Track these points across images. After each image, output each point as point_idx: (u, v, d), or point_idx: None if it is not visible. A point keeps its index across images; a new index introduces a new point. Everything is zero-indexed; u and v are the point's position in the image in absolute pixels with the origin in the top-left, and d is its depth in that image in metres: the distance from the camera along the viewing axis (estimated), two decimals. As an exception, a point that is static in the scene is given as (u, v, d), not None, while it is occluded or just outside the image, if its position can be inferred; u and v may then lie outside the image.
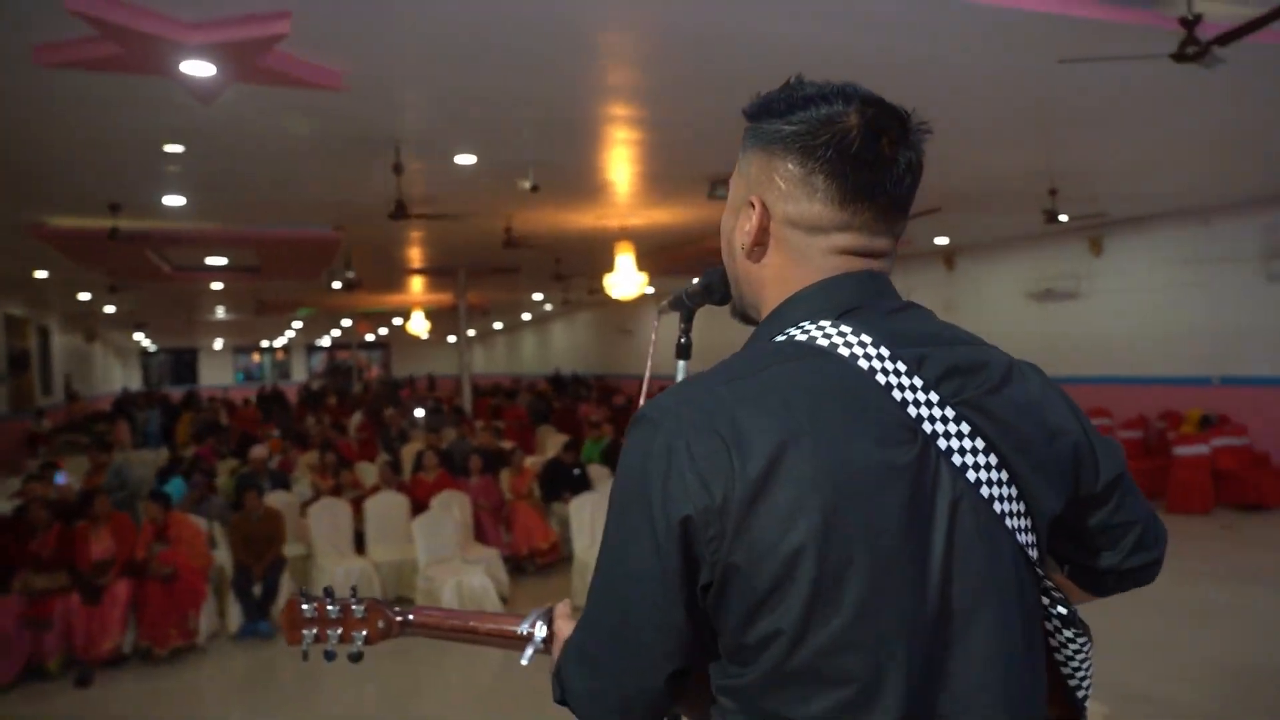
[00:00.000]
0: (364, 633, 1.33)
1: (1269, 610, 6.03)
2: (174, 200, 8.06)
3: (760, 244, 0.96)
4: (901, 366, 0.86)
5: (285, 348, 36.17)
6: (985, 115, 6.49)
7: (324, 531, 6.98)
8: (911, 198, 0.95)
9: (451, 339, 32.82)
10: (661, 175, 8.19)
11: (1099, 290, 13.14)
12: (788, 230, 0.94)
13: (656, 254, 11.54)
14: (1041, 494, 0.89)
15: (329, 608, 1.34)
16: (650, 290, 10.44)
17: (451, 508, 6.98)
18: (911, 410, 0.84)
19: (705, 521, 0.80)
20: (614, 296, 10.21)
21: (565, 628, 1.17)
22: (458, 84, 5.17)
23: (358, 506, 7.22)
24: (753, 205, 0.95)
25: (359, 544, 7.12)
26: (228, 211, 9.06)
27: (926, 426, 0.84)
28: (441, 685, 5.38)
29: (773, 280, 0.96)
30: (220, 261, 12.20)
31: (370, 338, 34.11)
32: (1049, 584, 0.91)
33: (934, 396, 0.85)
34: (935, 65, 5.13)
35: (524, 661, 1.24)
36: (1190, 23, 3.92)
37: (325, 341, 35.37)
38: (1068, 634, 0.93)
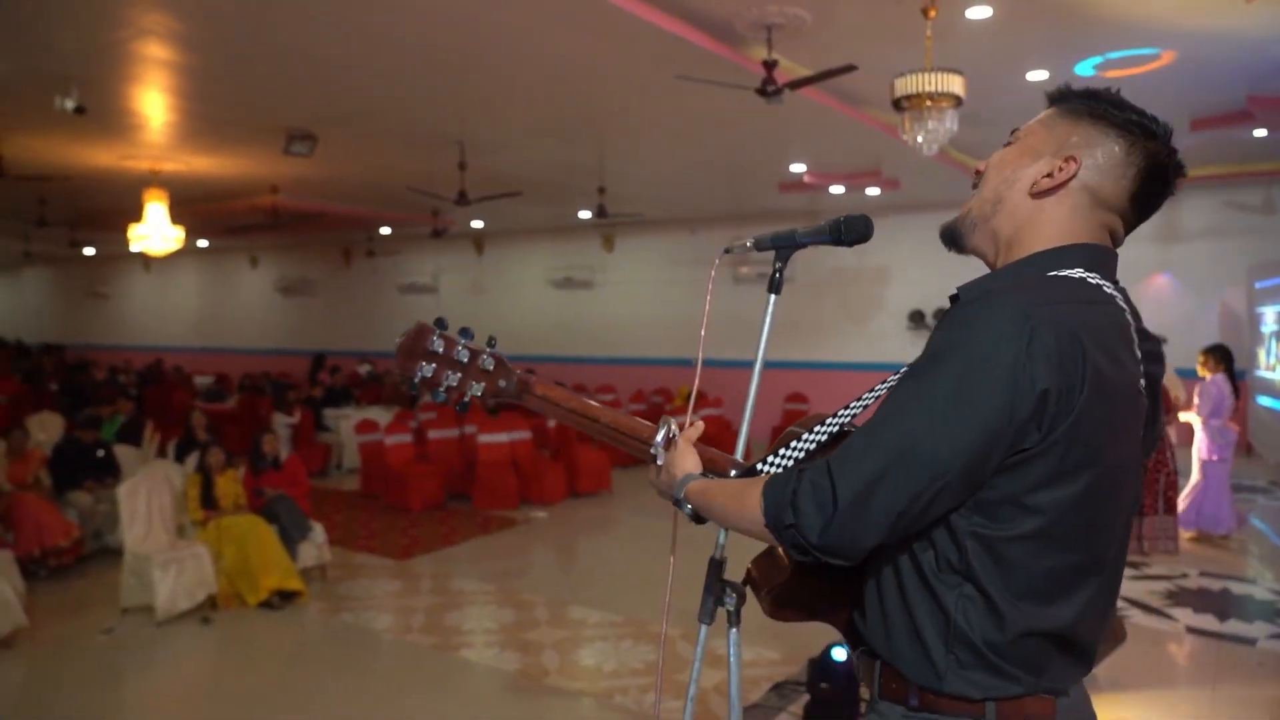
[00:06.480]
0: (482, 385, 1.25)
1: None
2: None
3: (1051, 192, 1.17)
4: (1134, 323, 1.16)
5: None
6: (571, 110, 7.08)
7: None
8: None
9: None
10: (215, 116, 7.28)
11: (610, 281, 15.01)
12: (1080, 192, 1.17)
13: (190, 206, 10.11)
14: (1145, 445, 1.22)
15: (458, 349, 1.24)
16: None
17: (-67, 503, 5.42)
18: (1137, 351, 1.16)
19: (1058, 398, 1.00)
20: (144, 251, 8.71)
21: (689, 457, 1.30)
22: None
23: None
24: (1073, 161, 1.16)
25: None
26: None
27: (1141, 375, 1.16)
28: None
29: (1046, 222, 1.18)
30: None
31: None
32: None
33: (1141, 355, 1.17)
34: (547, 45, 5.46)
35: (658, 461, 1.31)
36: (769, 65, 4.85)
37: None
38: None
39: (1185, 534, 6.61)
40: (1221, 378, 6.60)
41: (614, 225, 14.18)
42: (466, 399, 1.25)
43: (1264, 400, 9.24)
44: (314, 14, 4.89)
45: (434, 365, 1.23)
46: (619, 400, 13.40)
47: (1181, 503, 6.61)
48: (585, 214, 12.48)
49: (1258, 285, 9.37)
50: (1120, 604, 5.09)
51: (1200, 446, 6.64)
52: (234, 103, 6.83)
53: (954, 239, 1.28)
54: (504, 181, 9.14)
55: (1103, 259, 1.17)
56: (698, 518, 1.27)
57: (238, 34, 5.25)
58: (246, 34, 5.24)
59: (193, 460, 6.18)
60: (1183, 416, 6.82)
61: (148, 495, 5.60)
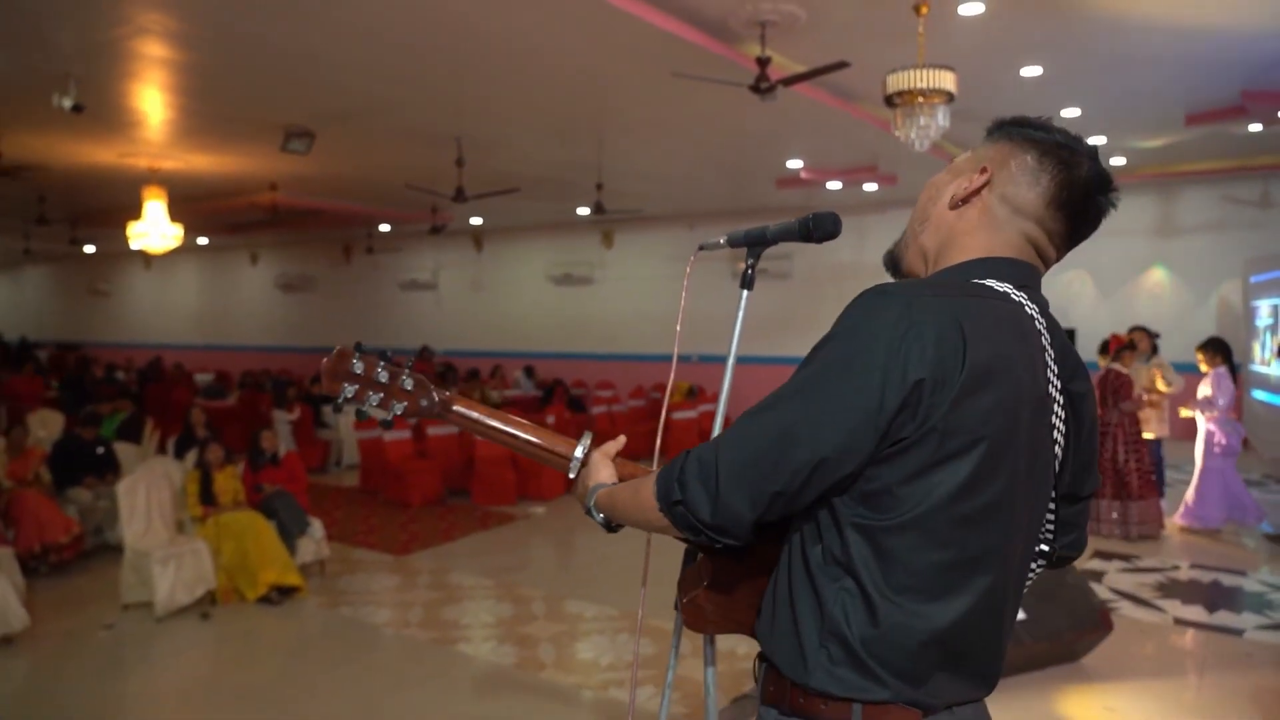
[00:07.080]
0: (404, 404, 1.31)
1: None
2: None
3: (968, 201, 1.22)
4: (1048, 335, 1.17)
5: None
6: (568, 107, 7.10)
7: None
8: (1080, 242, 1.24)
9: None
10: (213, 114, 7.31)
11: (609, 278, 15.04)
12: (997, 202, 1.20)
13: (190, 203, 10.14)
14: (1069, 470, 1.20)
15: (378, 370, 1.30)
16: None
17: (-66, 499, 5.46)
18: (1050, 361, 1.16)
19: (933, 388, 1.01)
20: (143, 249, 8.74)
21: (603, 469, 1.30)
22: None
23: None
24: (983, 171, 1.21)
25: None
26: None
27: (1051, 381, 1.15)
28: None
29: (965, 231, 1.22)
30: None
31: None
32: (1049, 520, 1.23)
33: (1055, 365, 1.17)
34: (553, 46, 5.50)
35: (571, 475, 1.35)
36: (763, 62, 4.88)
37: None
38: (1040, 562, 1.26)
39: (1177, 523, 6.65)
40: (1224, 370, 6.61)
41: (613, 221, 14.19)
42: (389, 417, 1.32)
43: (1259, 394, 9.26)
44: (310, 13, 4.92)
45: (355, 386, 1.29)
46: (618, 396, 13.44)
47: (1199, 498, 6.62)
48: (584, 210, 12.50)
49: (1253, 279, 9.39)
50: (1109, 595, 5.13)
51: (1213, 438, 6.61)
52: (232, 100, 6.86)
53: (894, 262, 1.32)
54: (502, 178, 9.17)
55: (1018, 272, 1.19)
56: (609, 526, 1.29)
57: (235, 32, 5.28)
58: (244, 32, 5.27)
59: (192, 457, 6.22)
60: (1185, 411, 6.83)
61: (147, 491, 5.64)
